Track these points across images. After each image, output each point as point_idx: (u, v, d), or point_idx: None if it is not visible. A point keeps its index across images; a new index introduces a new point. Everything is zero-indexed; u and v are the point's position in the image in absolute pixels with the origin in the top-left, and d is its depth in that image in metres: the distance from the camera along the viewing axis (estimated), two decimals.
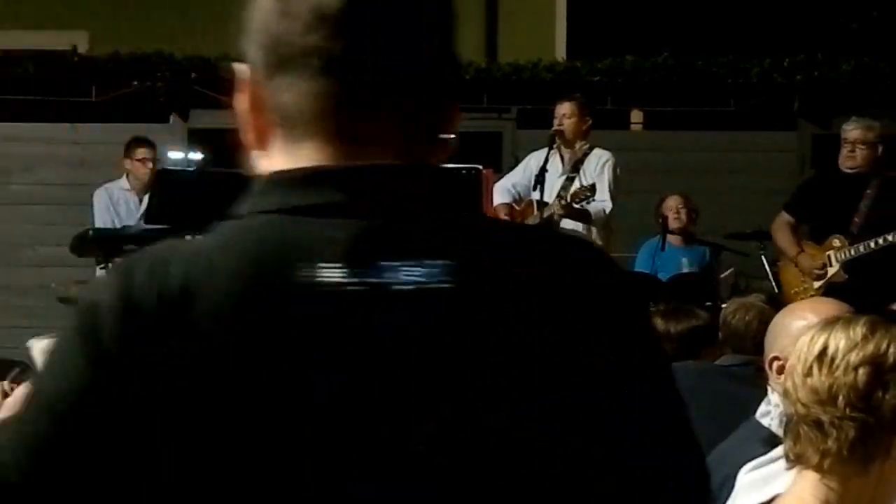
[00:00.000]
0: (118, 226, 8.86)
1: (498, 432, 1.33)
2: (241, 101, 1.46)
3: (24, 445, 1.29)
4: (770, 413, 3.05)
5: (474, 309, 1.33)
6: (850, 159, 7.85)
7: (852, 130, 7.90)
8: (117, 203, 9.10)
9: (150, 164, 9.09)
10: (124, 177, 9.19)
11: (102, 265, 8.30)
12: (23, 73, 10.60)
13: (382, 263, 1.32)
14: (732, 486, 2.84)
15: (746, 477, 2.53)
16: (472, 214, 1.44)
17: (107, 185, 9.21)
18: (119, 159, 9.33)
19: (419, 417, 1.31)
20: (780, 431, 2.97)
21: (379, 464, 1.30)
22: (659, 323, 4.72)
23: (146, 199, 8.75)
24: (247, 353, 1.28)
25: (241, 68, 1.45)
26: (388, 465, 1.30)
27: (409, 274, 1.32)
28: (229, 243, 1.34)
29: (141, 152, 9.16)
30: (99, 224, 8.91)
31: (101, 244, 8.32)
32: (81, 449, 1.28)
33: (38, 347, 1.72)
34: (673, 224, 8.86)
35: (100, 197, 9.15)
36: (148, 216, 8.45)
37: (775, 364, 3.17)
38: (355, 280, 1.31)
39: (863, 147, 7.83)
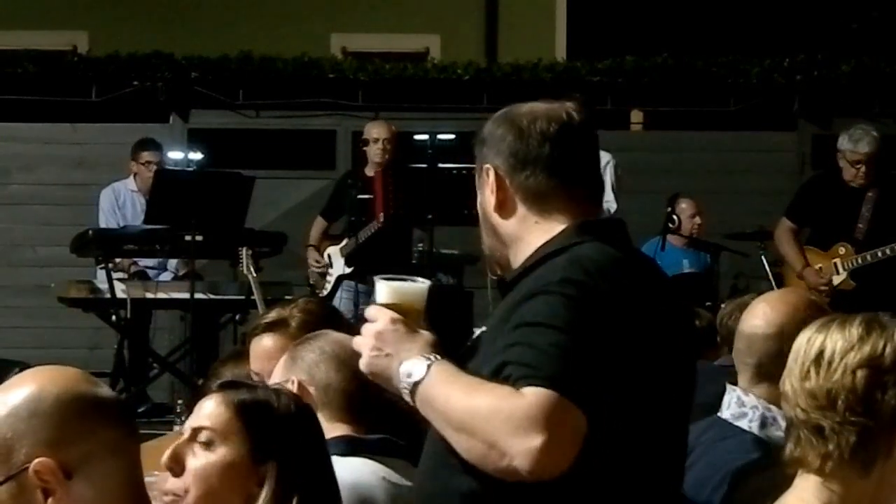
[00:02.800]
0: (122, 226, 8.82)
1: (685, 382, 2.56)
2: (488, 188, 2.60)
3: (553, 354, 2.27)
4: (748, 415, 3.01)
5: (679, 302, 2.64)
6: (863, 178, 7.72)
7: (865, 154, 7.70)
8: (123, 204, 9.04)
9: (155, 168, 9.02)
10: (132, 177, 9.13)
11: (102, 265, 8.29)
12: (23, 73, 10.59)
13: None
14: (724, 491, 2.82)
15: None
16: None
17: (114, 185, 9.14)
18: (122, 159, 9.32)
19: (681, 355, 2.53)
20: (762, 434, 2.95)
21: (677, 382, 2.51)
22: None
23: None
24: (642, 303, 2.43)
25: (485, 168, 2.60)
26: (678, 383, 2.52)
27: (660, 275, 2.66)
28: (600, 254, 2.44)
29: (145, 156, 9.05)
30: (103, 224, 8.88)
31: (101, 244, 8.32)
32: (591, 355, 2.30)
33: (386, 285, 2.52)
34: (686, 229, 8.90)
35: (106, 196, 9.09)
36: (147, 216, 8.44)
37: None
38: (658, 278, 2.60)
39: (872, 165, 7.74)
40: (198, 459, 2.34)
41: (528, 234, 2.56)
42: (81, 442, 1.99)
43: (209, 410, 2.38)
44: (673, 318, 2.51)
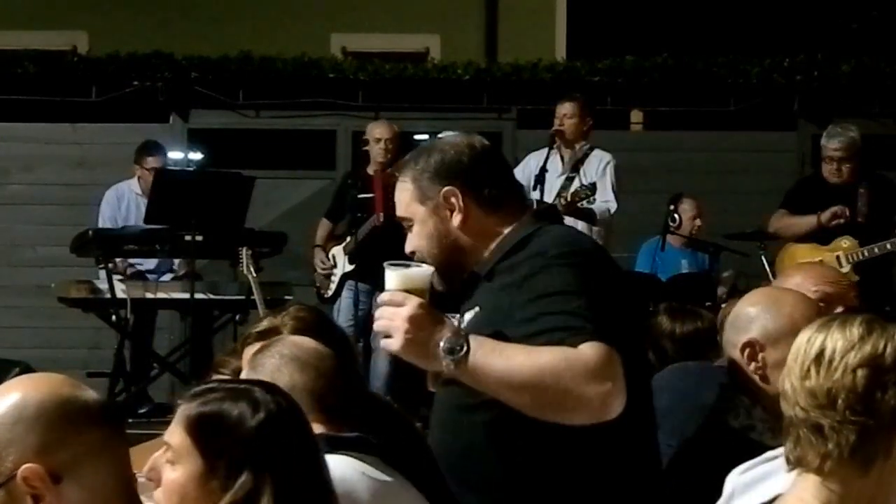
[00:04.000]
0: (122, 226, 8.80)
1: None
2: (447, 210, 3.03)
3: (585, 315, 2.70)
4: None
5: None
6: (836, 175, 7.76)
7: (835, 151, 7.77)
8: (127, 206, 8.98)
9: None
10: (136, 179, 9.09)
11: (102, 265, 8.29)
12: (23, 73, 10.59)
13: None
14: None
15: (741, 478, 2.52)
16: None
17: (118, 186, 9.08)
18: (122, 159, 9.29)
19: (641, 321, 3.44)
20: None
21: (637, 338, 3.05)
22: (665, 321, 4.69)
23: None
24: (614, 270, 3.00)
25: (443, 193, 3.01)
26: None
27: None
28: (567, 231, 3.09)
29: (151, 161, 8.95)
30: (103, 224, 8.86)
31: (101, 244, 8.31)
32: (611, 309, 2.77)
33: (396, 272, 2.83)
34: (686, 229, 8.90)
35: (108, 202, 9.01)
36: (147, 216, 8.43)
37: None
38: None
39: (847, 163, 7.75)
40: (167, 475, 2.27)
41: (488, 237, 3.01)
42: (68, 445, 2.00)
43: (172, 426, 2.30)
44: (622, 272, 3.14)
